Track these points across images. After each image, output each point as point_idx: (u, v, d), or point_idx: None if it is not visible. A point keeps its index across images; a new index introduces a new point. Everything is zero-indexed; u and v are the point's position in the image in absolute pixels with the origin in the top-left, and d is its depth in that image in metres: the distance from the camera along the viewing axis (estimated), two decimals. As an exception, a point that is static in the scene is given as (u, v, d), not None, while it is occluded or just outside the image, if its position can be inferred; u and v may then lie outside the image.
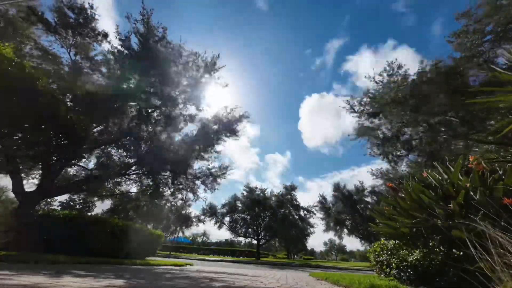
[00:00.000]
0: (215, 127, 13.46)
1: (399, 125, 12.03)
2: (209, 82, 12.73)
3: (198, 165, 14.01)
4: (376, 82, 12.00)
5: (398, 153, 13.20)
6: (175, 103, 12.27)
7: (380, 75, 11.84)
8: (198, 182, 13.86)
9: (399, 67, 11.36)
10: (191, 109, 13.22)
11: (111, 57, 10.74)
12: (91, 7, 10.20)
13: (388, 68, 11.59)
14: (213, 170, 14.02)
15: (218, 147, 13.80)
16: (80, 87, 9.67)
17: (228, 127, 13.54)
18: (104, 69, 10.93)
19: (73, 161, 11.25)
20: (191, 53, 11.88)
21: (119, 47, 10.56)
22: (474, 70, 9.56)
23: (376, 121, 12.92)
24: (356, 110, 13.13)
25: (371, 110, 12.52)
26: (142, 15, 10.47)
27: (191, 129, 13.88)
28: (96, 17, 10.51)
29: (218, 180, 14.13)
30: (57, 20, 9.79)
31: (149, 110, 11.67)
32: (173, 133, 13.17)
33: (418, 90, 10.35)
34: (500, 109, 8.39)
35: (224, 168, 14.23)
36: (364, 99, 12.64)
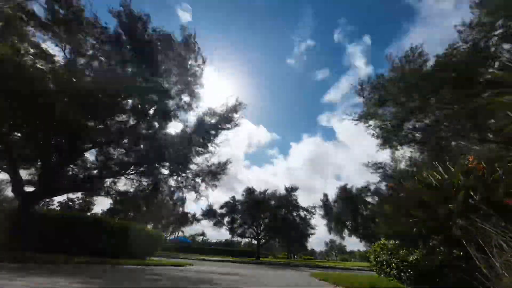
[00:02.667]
0: (212, 120, 13.35)
1: (405, 115, 11.81)
2: (201, 71, 12.56)
3: (197, 162, 13.91)
4: (392, 67, 11.67)
5: (402, 140, 12.92)
6: (168, 95, 12.04)
7: (400, 60, 11.52)
8: (198, 180, 13.81)
9: (420, 54, 11.05)
10: (186, 99, 12.94)
11: (102, 51, 10.62)
12: None
13: (409, 53, 11.27)
14: (212, 167, 13.99)
15: (216, 140, 13.69)
16: (76, 84, 9.60)
17: (224, 118, 13.42)
18: (97, 65, 10.81)
19: (72, 161, 11.23)
20: (177, 42, 11.58)
21: (104, 39, 10.41)
22: (480, 64, 9.31)
23: (381, 110, 12.65)
24: (363, 95, 12.84)
25: (378, 96, 12.22)
26: (123, 6, 10.37)
27: (188, 124, 13.63)
28: (82, 8, 10.33)
29: (218, 176, 14.11)
30: (48, 17, 9.70)
31: (145, 105, 11.50)
32: (170, 128, 13.09)
33: (432, 79, 10.06)
34: (504, 107, 8.29)
35: (223, 164, 14.20)
36: (376, 84, 12.29)
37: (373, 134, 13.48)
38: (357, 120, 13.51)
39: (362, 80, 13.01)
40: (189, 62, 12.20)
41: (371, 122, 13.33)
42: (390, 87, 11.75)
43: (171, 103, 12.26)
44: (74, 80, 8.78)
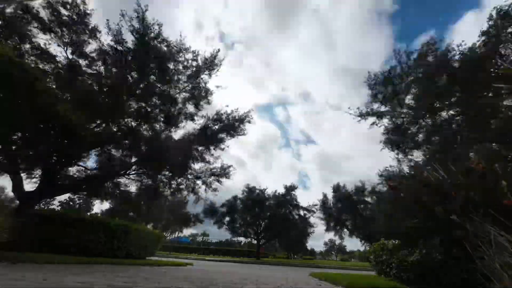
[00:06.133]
0: (216, 127, 13.31)
1: (410, 116, 11.73)
2: (209, 80, 12.54)
3: (199, 165, 13.79)
4: (400, 62, 11.55)
5: (406, 146, 12.84)
6: (175, 101, 12.09)
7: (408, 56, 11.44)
8: (199, 182, 13.71)
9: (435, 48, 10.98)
10: (191, 108, 13.00)
11: (107, 56, 10.61)
12: (84, 2, 10.00)
13: (425, 48, 11.20)
14: (214, 170, 13.85)
15: (219, 147, 13.64)
16: (78, 86, 9.63)
17: (229, 127, 13.37)
18: (101, 68, 10.82)
19: (73, 161, 11.22)
20: (189, 49, 11.59)
21: (113, 44, 10.34)
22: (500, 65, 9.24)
23: (388, 108, 12.55)
24: (372, 88, 12.73)
25: (388, 90, 12.11)
26: (136, 12, 10.30)
27: (191, 128, 13.58)
28: (89, 12, 10.27)
29: (221, 179, 13.94)
30: (51, 18, 9.68)
31: (148, 109, 11.57)
32: (172, 132, 13.09)
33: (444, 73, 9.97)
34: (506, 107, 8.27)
35: (226, 168, 14.02)
36: (384, 75, 12.15)
37: (384, 133, 13.21)
38: (359, 116, 13.27)
39: (368, 73, 12.76)
40: (197, 71, 12.17)
41: (372, 119, 13.14)
42: (399, 81, 11.59)
43: (176, 109, 12.27)
44: (77, 81, 8.79)
